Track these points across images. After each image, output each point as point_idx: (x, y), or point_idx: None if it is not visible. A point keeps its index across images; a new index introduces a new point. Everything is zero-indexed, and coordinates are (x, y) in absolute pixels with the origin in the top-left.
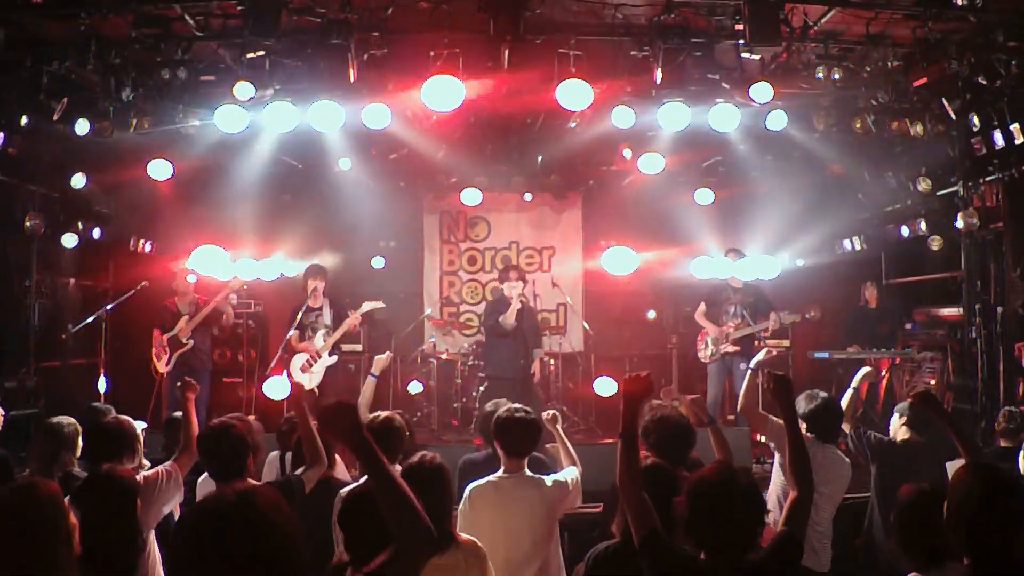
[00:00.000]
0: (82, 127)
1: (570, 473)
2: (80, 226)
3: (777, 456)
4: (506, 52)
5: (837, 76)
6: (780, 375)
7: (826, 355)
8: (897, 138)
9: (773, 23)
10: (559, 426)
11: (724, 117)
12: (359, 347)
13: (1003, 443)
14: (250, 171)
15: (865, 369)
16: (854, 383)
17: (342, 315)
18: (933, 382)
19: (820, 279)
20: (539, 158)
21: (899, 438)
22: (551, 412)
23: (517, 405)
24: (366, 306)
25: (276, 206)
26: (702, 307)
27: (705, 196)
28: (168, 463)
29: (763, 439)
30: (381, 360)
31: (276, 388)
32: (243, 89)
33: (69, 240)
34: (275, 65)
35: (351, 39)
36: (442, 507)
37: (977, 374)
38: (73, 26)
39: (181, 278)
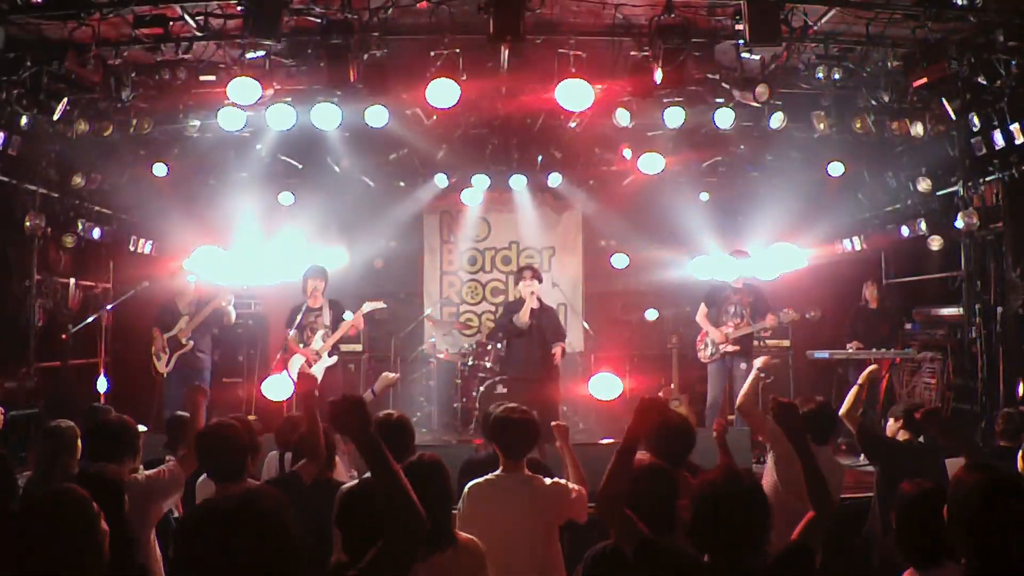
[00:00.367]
0: (82, 127)
1: (575, 484)
2: (80, 226)
3: (771, 455)
4: (506, 52)
5: (837, 76)
6: (784, 402)
7: (826, 355)
8: (897, 138)
9: (773, 23)
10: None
11: (724, 117)
12: (359, 347)
13: (1002, 443)
14: (250, 171)
15: (871, 367)
16: (860, 380)
17: (341, 316)
18: (933, 382)
19: (820, 279)
20: (539, 158)
21: (899, 438)
22: (557, 422)
23: (514, 404)
24: (367, 306)
25: (276, 206)
26: (702, 308)
27: (705, 196)
28: (171, 462)
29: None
30: (385, 379)
31: (276, 388)
32: (243, 89)
33: (69, 240)
34: (275, 65)
35: (351, 39)
36: (440, 505)
37: (977, 374)
38: (73, 26)
39: (181, 278)
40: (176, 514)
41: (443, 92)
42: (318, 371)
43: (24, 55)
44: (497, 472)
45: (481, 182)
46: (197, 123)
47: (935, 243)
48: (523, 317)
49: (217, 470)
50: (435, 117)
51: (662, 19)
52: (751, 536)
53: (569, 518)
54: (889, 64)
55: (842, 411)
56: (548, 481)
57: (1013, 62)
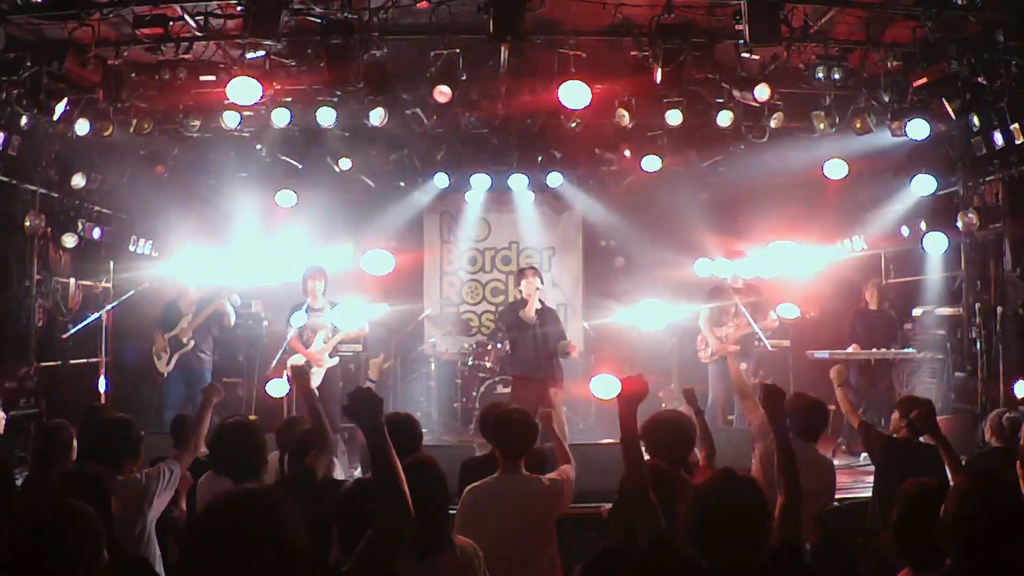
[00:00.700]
0: (82, 127)
1: (563, 471)
2: (80, 226)
3: (758, 448)
4: (506, 52)
5: (837, 76)
6: (771, 385)
7: (826, 355)
8: (897, 138)
9: (773, 23)
10: (554, 424)
11: (724, 117)
12: (359, 347)
13: (996, 443)
14: (250, 171)
15: (834, 369)
16: (835, 384)
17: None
18: (933, 382)
19: (820, 279)
20: (539, 158)
21: (900, 437)
22: (545, 411)
23: (514, 406)
24: (374, 312)
25: (276, 206)
26: (704, 312)
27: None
28: (170, 460)
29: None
30: (376, 363)
31: (278, 388)
32: (243, 89)
33: (69, 240)
34: (275, 65)
35: (351, 39)
36: (435, 506)
37: (977, 374)
38: (73, 26)
39: (182, 279)
40: (176, 512)
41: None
42: (318, 372)
43: (24, 55)
44: (496, 474)
45: (481, 182)
46: (197, 123)
47: (935, 243)
48: (529, 312)
49: (235, 469)
50: (435, 117)
51: (662, 19)
52: (750, 539)
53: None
54: (889, 64)
55: (845, 414)
56: (546, 480)
57: (1013, 62)
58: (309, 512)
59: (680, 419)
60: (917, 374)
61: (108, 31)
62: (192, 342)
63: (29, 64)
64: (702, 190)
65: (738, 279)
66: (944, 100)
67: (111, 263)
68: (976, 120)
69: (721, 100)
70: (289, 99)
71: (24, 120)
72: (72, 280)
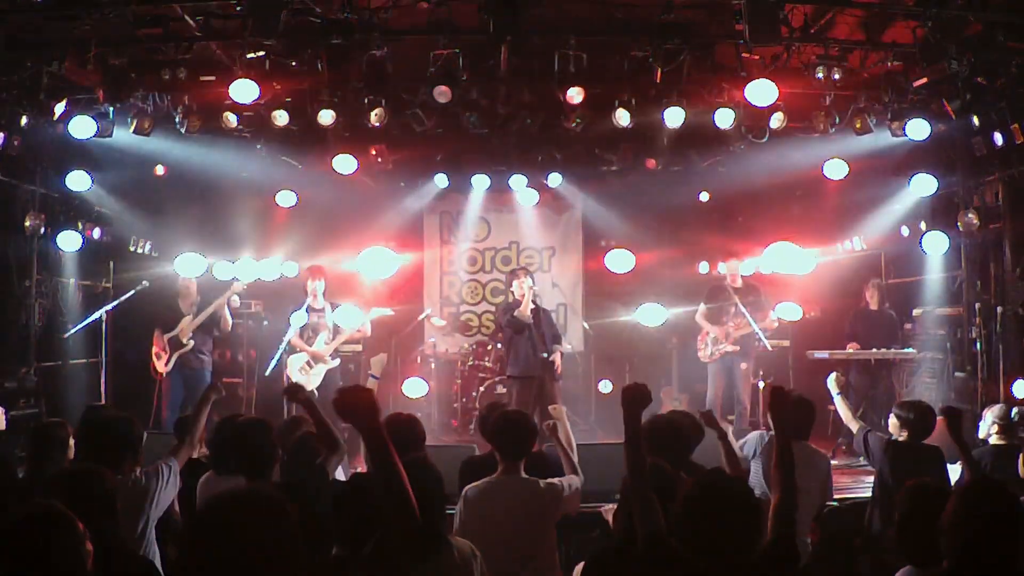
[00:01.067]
0: (82, 127)
1: (568, 479)
2: (80, 226)
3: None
4: (506, 52)
5: (837, 76)
6: (780, 387)
7: (826, 355)
8: (897, 138)
9: (773, 23)
10: (560, 435)
11: (723, 117)
12: (359, 347)
13: (996, 440)
14: (250, 171)
15: (832, 377)
16: (833, 392)
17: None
18: (933, 382)
19: (820, 279)
20: (539, 158)
21: (900, 438)
22: (551, 422)
23: (512, 407)
24: (375, 312)
25: (276, 206)
26: (702, 308)
27: (705, 196)
28: (166, 458)
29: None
30: (379, 360)
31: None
32: (243, 89)
33: (69, 240)
34: (275, 65)
35: (351, 39)
36: (432, 507)
37: (977, 374)
38: (73, 26)
39: (182, 278)
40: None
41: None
42: (318, 371)
43: (24, 55)
44: (495, 475)
45: (481, 182)
46: (197, 123)
47: (935, 243)
48: (524, 311)
49: (249, 465)
50: (435, 117)
51: (662, 19)
52: (741, 539)
53: (564, 514)
54: (889, 64)
55: (846, 422)
56: (543, 483)
57: (1013, 62)
58: (317, 512)
59: (681, 419)
60: (917, 374)
61: (108, 31)
62: (192, 342)
63: (29, 64)
64: (702, 190)
65: (737, 278)
66: (944, 100)
67: (111, 263)
68: (976, 120)
69: (721, 100)
70: (289, 99)
71: (24, 120)
72: (72, 280)
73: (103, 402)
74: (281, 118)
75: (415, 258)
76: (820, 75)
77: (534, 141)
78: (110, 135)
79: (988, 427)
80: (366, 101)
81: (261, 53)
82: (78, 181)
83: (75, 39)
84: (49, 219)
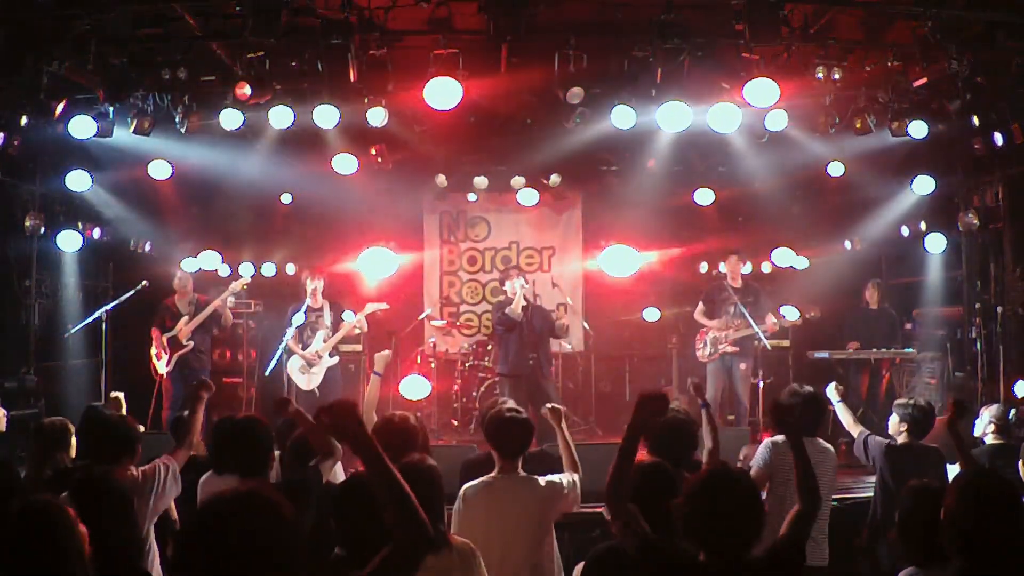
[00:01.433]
0: (82, 127)
1: (568, 476)
2: (80, 226)
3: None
4: (506, 52)
5: (837, 76)
6: (781, 404)
7: (826, 355)
8: (897, 138)
9: (773, 22)
10: (563, 425)
11: (724, 117)
12: (359, 347)
13: (992, 440)
14: (250, 171)
15: (831, 387)
16: (833, 400)
17: (341, 317)
18: (933, 382)
19: (820, 279)
20: (539, 158)
21: (900, 440)
22: (550, 406)
23: (510, 405)
24: (369, 307)
25: (276, 206)
26: (701, 306)
27: (705, 196)
28: (165, 457)
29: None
30: (383, 357)
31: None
32: (243, 89)
33: (69, 240)
34: (275, 65)
35: (351, 39)
36: (433, 508)
37: (977, 374)
38: (73, 26)
39: (179, 276)
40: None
41: (445, 93)
42: (318, 371)
43: (24, 55)
44: (493, 474)
45: (481, 182)
46: (197, 123)
47: (935, 243)
48: (516, 309)
49: (245, 465)
50: (435, 117)
51: (662, 19)
52: (744, 530)
53: (563, 512)
54: (889, 64)
55: (847, 426)
56: (543, 481)
57: (1013, 62)
58: (313, 513)
59: (682, 419)
60: (917, 374)
61: (108, 31)
62: (191, 342)
63: (29, 64)
64: (702, 190)
65: (737, 278)
66: (944, 100)
67: (111, 263)
68: (976, 120)
69: (721, 100)
70: (289, 99)
71: (24, 120)
72: (72, 280)
73: (104, 401)
74: (281, 118)
75: (415, 258)
76: (820, 75)
77: (534, 141)
78: (110, 135)
79: (984, 426)
80: (366, 101)
81: (261, 53)
82: (78, 181)
83: (75, 39)
84: (49, 219)
